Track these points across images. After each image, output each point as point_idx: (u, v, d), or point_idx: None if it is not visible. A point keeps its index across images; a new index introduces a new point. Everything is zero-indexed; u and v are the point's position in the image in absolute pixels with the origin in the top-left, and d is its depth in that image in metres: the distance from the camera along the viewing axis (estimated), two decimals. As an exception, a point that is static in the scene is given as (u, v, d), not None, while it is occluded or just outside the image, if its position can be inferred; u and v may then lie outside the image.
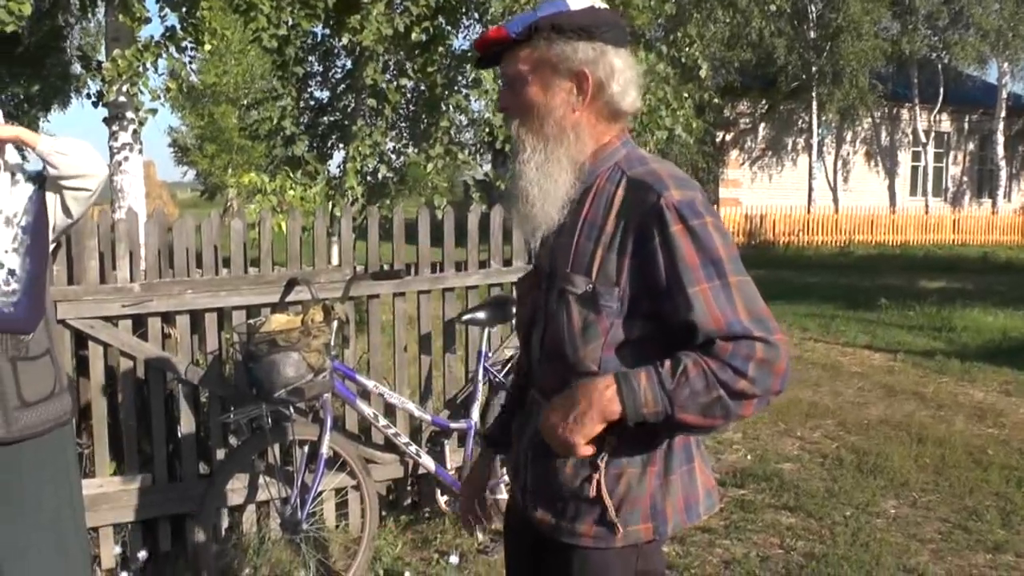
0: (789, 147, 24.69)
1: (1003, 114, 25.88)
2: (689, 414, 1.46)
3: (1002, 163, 26.33)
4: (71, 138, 2.33)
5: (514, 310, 3.15)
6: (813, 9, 23.41)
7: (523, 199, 1.62)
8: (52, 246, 2.44)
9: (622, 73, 1.61)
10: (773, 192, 23.79)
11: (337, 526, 3.90)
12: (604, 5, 1.65)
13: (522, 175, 1.62)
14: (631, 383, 1.47)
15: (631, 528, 1.60)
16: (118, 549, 3.55)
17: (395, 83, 7.57)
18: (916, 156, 26.33)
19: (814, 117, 23.73)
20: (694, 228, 1.49)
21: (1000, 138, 26.00)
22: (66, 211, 2.40)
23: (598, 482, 1.58)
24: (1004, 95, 25.96)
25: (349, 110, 8.88)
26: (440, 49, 7.29)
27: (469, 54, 7.72)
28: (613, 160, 1.62)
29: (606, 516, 1.59)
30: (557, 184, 1.60)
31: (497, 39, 1.64)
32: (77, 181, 2.34)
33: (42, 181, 2.36)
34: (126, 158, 5.51)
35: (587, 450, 1.52)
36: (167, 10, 5.46)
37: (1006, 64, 25.46)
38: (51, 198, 2.38)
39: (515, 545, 1.89)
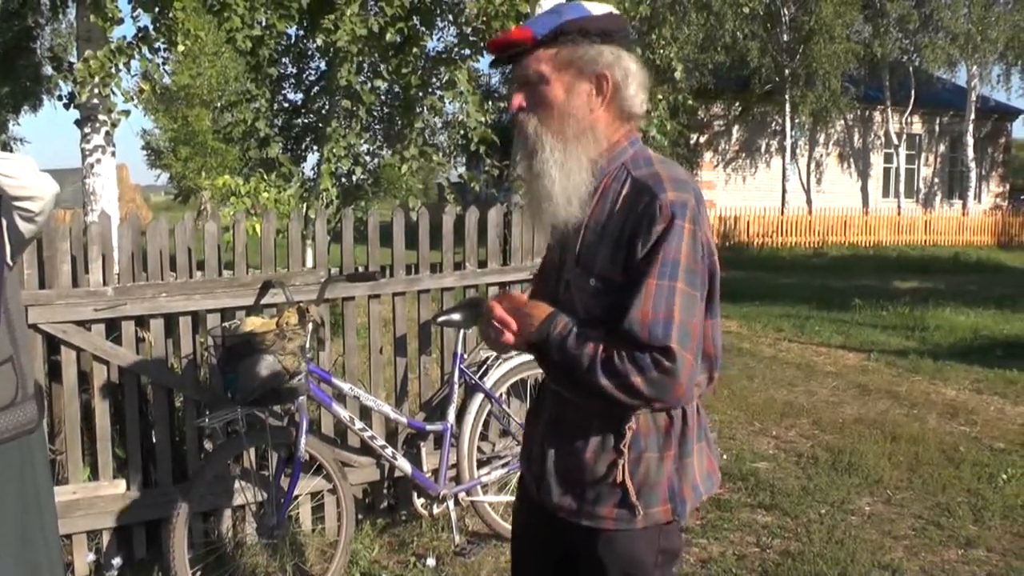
0: (763, 149, 24.89)
1: (972, 116, 26.23)
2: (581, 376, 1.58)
3: (972, 164, 26.69)
4: (16, 158, 2.24)
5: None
6: (786, 12, 23.59)
7: (547, 198, 1.66)
8: (11, 260, 2.36)
9: (635, 76, 1.68)
10: (747, 194, 23.96)
11: (313, 530, 3.88)
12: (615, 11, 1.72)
13: (543, 174, 1.65)
14: (554, 321, 1.63)
15: (651, 510, 1.67)
16: (92, 556, 3.51)
17: (369, 84, 7.55)
18: (888, 158, 26.63)
19: (787, 119, 23.93)
20: (673, 228, 1.56)
21: (970, 140, 26.35)
22: (14, 230, 2.32)
23: (622, 467, 1.65)
24: (973, 98, 26.29)
25: (323, 112, 8.83)
26: (415, 50, 7.29)
27: (444, 56, 7.72)
28: (620, 160, 1.68)
29: (627, 499, 1.66)
30: (578, 183, 1.65)
31: (521, 40, 1.67)
32: (23, 203, 2.26)
33: None
34: (98, 160, 5.45)
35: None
36: (140, 10, 5.41)
37: (975, 67, 25.79)
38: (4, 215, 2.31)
39: (527, 532, 1.92)
